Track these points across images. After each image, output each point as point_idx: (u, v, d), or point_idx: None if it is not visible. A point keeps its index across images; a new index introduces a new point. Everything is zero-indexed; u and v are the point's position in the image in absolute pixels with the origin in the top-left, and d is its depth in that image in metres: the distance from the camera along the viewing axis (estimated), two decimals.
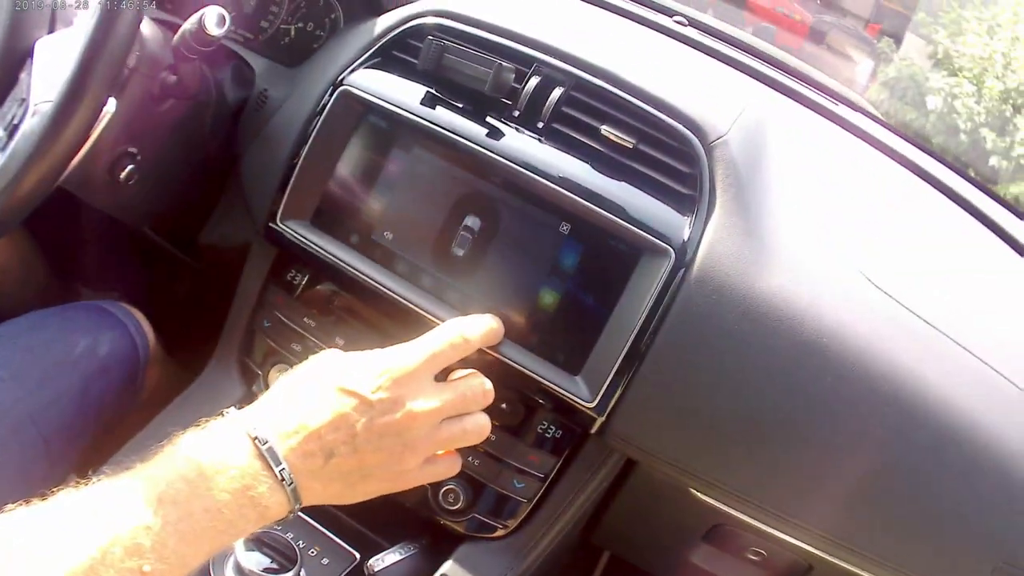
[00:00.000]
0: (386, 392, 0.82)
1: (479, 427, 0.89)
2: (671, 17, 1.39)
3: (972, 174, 1.40)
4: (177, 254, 1.36)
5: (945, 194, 1.26)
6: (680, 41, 1.32)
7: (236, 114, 1.21)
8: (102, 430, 1.16)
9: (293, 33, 1.29)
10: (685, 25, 1.37)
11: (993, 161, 6.84)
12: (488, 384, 0.89)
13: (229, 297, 1.16)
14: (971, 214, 1.24)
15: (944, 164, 1.33)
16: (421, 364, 0.85)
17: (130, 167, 1.07)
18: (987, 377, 0.94)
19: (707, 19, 1.42)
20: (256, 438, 0.78)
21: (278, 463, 0.77)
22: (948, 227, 1.23)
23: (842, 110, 1.33)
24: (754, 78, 1.32)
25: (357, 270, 1.01)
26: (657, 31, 1.33)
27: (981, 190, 1.31)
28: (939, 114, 7.31)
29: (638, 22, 1.34)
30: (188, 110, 1.12)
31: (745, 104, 1.05)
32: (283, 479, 0.77)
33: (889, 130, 1.35)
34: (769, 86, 1.32)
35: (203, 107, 1.15)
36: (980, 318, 1.03)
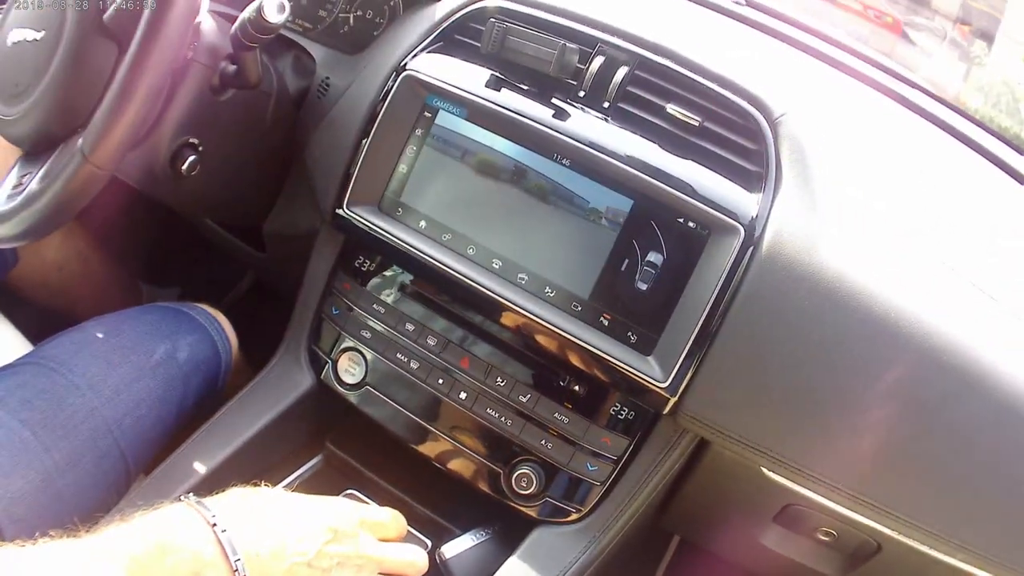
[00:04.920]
0: (355, 532, 0.88)
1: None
2: None
3: None
4: (241, 246, 1.37)
5: (1002, 169, 1.24)
6: (739, 21, 1.31)
7: (297, 103, 1.21)
8: (180, 437, 1.14)
9: (352, 21, 1.28)
10: (742, 5, 1.36)
11: None
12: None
13: (296, 288, 1.16)
14: None
15: (1003, 141, 1.31)
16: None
17: (192, 158, 1.07)
18: None
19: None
20: (215, 525, 0.78)
21: (234, 554, 0.76)
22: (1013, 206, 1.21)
23: (900, 87, 1.32)
24: (813, 57, 1.30)
25: (426, 255, 1.01)
26: (716, 11, 1.32)
27: None
28: None
29: (697, 2, 1.33)
30: (249, 100, 1.12)
31: (806, 81, 1.05)
32: (237, 570, 0.76)
33: (947, 106, 1.33)
34: (829, 65, 1.30)
35: (264, 97, 1.14)
36: None
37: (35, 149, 1.00)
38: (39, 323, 1.31)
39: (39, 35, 0.98)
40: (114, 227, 1.49)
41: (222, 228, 1.37)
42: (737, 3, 1.36)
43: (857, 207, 0.95)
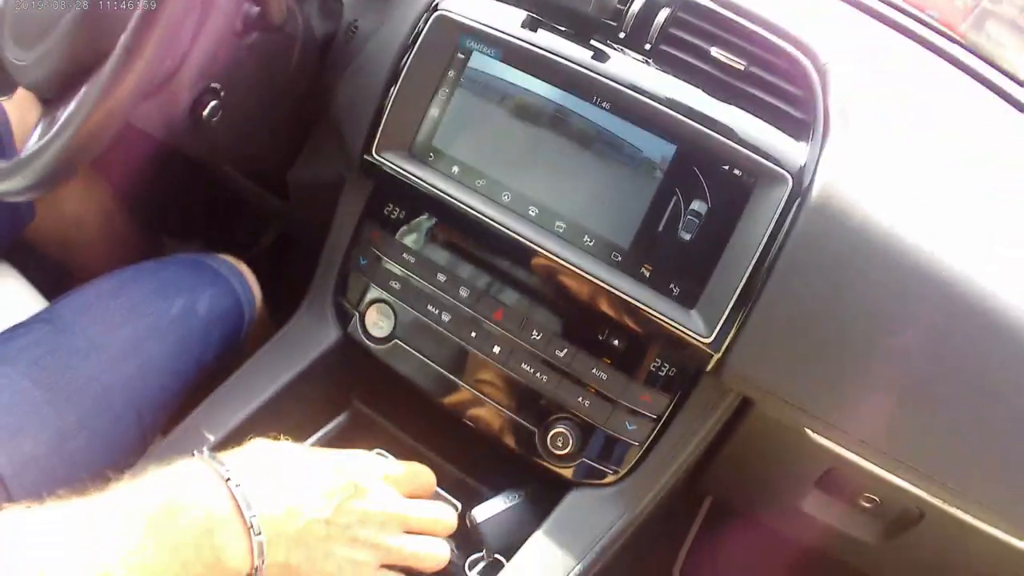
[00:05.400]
0: (378, 487, 0.86)
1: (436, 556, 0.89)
2: None
3: None
4: (265, 195, 1.34)
5: None
6: None
7: (324, 47, 1.18)
8: (199, 395, 1.11)
9: None
10: None
11: None
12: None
13: (321, 240, 1.14)
14: None
15: None
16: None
17: (213, 104, 1.03)
18: None
19: None
20: (228, 480, 0.75)
21: (249, 509, 0.74)
22: None
23: (948, 45, 1.27)
24: (860, 9, 1.27)
25: (459, 201, 0.98)
26: None
27: None
28: None
29: None
30: (273, 44, 1.09)
31: (855, 30, 1.04)
32: (251, 526, 0.73)
33: (993, 67, 1.29)
34: (876, 19, 1.27)
35: (289, 40, 1.11)
36: None
37: (53, 95, 0.96)
38: (57, 280, 1.30)
39: None
40: (135, 180, 1.47)
41: (245, 177, 1.34)
42: None
43: (905, 161, 0.92)
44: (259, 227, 1.75)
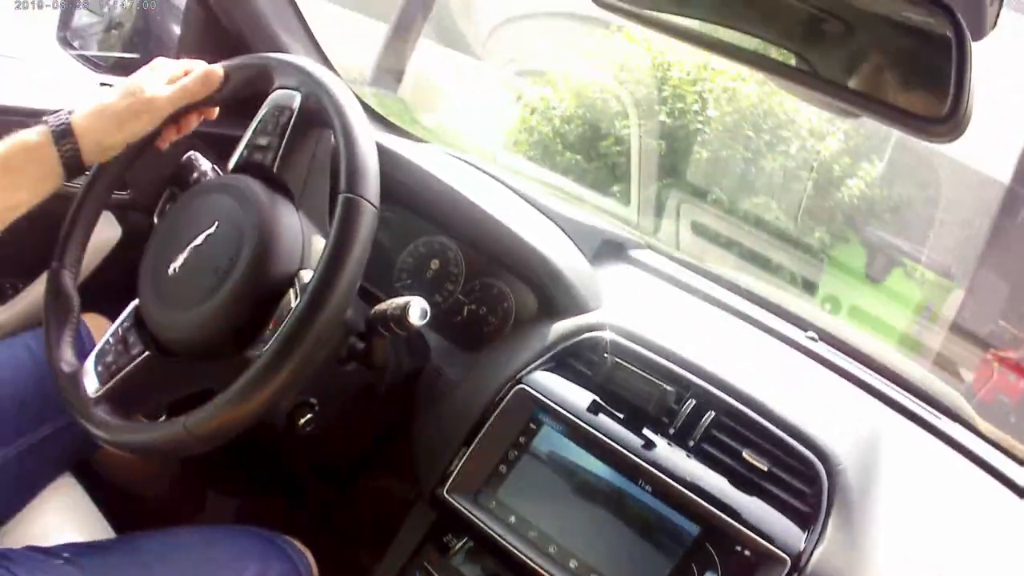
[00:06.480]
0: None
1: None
2: (804, 332, 1.52)
3: None
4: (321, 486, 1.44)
5: None
6: (811, 357, 1.45)
7: (408, 381, 1.32)
8: None
9: (466, 313, 1.44)
10: (816, 341, 1.50)
11: None
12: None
13: (383, 544, 1.25)
14: None
15: None
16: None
17: (308, 416, 1.15)
18: None
19: (838, 335, 1.55)
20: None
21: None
22: None
23: (954, 428, 1.41)
24: (875, 396, 1.41)
25: (513, 546, 1.11)
26: (791, 346, 1.46)
27: None
28: None
29: (774, 335, 1.47)
30: (368, 373, 1.22)
31: (866, 431, 1.19)
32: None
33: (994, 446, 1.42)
34: (888, 404, 1.41)
35: (381, 372, 1.25)
36: None
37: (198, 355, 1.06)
38: (119, 501, 1.39)
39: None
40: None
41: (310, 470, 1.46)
42: (811, 339, 1.50)
43: (886, 548, 1.06)
44: (294, 494, 1.83)
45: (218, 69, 1.14)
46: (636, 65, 4.41)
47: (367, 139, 0.99)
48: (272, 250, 1.01)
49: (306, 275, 1.01)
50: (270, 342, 0.91)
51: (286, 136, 1.07)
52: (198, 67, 1.14)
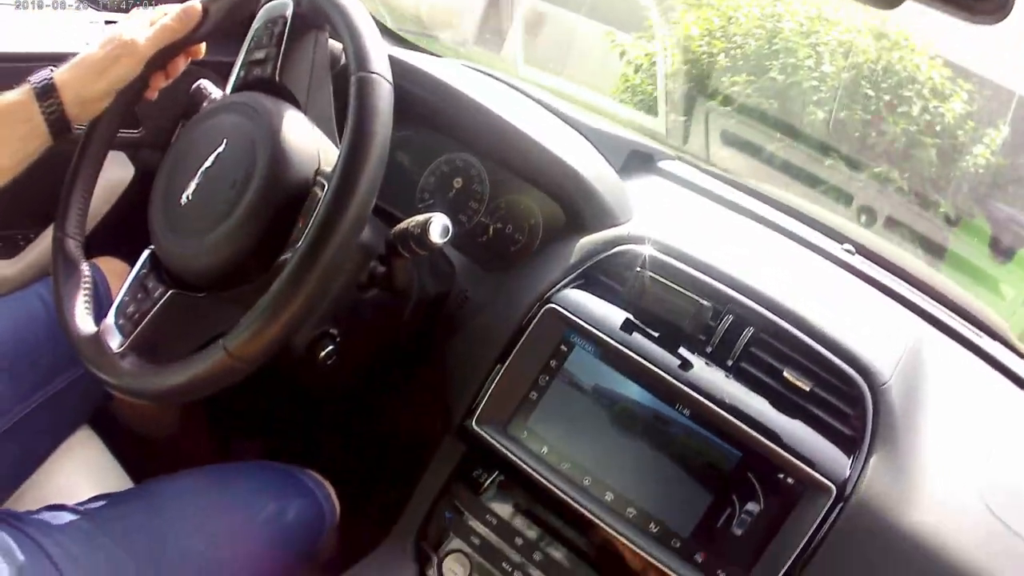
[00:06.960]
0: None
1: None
2: (841, 244, 1.46)
3: None
4: (356, 432, 1.41)
5: None
6: (848, 271, 1.39)
7: (433, 306, 1.27)
8: None
9: (491, 232, 1.38)
10: (853, 254, 1.43)
11: None
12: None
13: (410, 480, 1.21)
14: None
15: None
16: None
17: (330, 347, 1.11)
18: None
19: (875, 248, 1.49)
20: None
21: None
22: None
23: (995, 347, 1.37)
24: (915, 312, 1.37)
25: (546, 479, 1.06)
26: (828, 259, 1.40)
27: None
28: None
29: (810, 248, 1.41)
30: (389, 299, 1.18)
31: (908, 348, 1.13)
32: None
33: None
34: (928, 321, 1.36)
35: (404, 297, 1.20)
36: None
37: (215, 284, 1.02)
38: (134, 450, 1.37)
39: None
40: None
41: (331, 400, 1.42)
42: (848, 252, 1.43)
43: (936, 472, 1.02)
44: (323, 433, 1.80)
45: (196, 4, 1.10)
46: (746, 15, 4.22)
47: (367, 22, 0.96)
48: (288, 153, 0.97)
49: (327, 171, 0.98)
50: (305, 232, 0.87)
51: (283, 44, 1.05)
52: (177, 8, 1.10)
